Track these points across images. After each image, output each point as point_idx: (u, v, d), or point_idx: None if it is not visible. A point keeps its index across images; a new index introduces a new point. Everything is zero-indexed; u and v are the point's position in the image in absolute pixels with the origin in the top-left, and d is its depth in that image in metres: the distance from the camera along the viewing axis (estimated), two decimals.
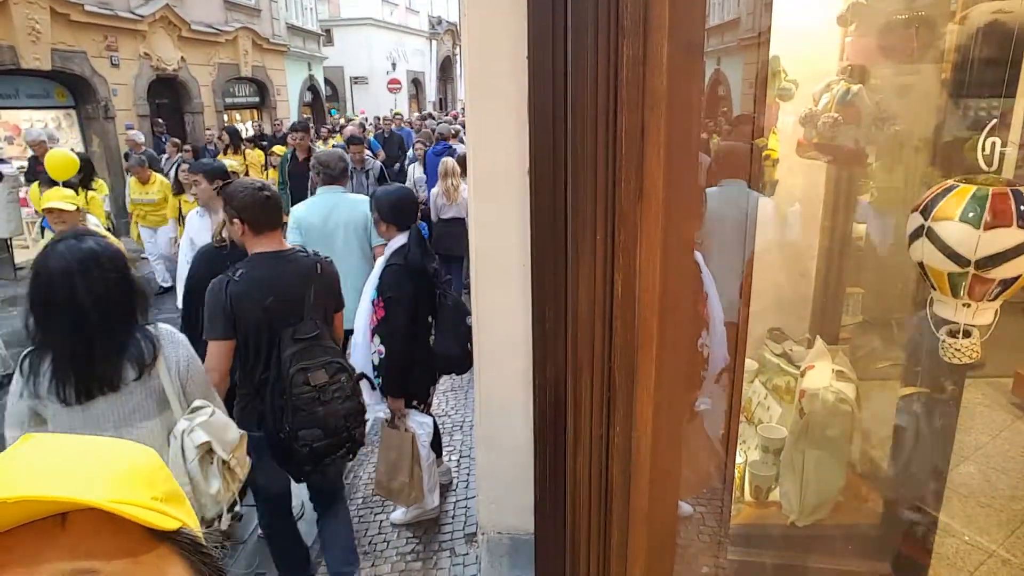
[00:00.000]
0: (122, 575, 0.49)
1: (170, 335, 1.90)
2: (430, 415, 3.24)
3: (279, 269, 2.37)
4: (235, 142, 9.58)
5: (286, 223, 3.54)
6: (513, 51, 2.08)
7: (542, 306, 1.98)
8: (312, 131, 8.63)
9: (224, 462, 1.83)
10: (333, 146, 7.25)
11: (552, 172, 1.86)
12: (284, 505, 2.73)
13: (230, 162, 5.34)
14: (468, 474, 3.77)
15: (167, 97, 12.50)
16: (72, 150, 6.25)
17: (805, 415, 2.25)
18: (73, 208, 3.53)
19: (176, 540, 0.54)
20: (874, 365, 2.57)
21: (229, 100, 14.59)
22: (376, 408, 3.03)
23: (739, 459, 2.52)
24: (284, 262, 2.39)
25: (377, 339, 3.00)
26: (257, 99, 16.06)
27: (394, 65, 25.15)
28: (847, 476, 2.33)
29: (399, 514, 3.35)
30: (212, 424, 1.84)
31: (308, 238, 3.52)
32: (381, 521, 3.40)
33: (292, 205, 4.59)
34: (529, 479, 2.21)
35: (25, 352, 1.75)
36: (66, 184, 4.68)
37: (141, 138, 8.57)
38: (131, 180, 6.94)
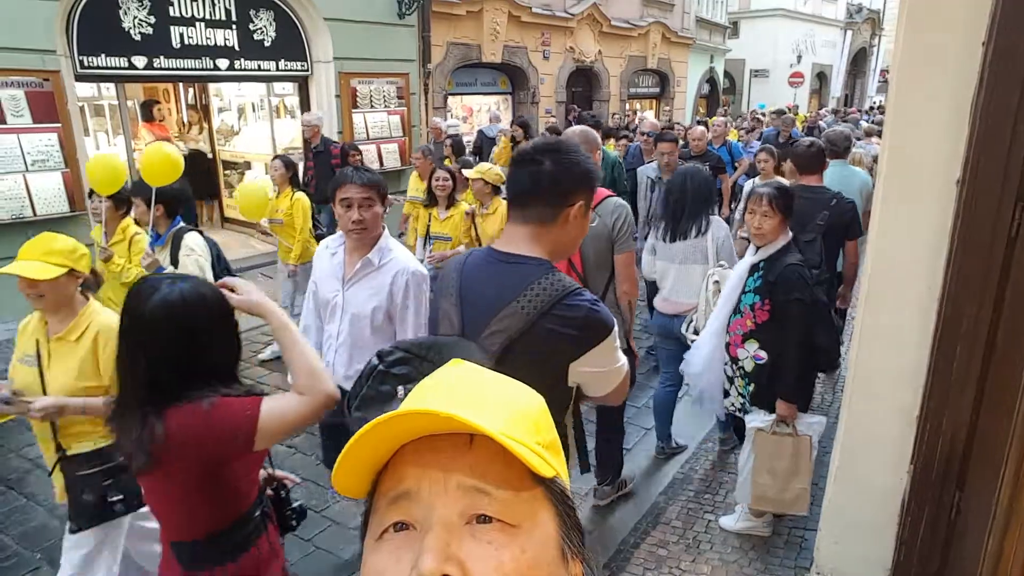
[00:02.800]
0: (505, 503, 0.54)
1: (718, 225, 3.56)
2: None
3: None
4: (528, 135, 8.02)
5: None
6: (964, 35, 1.76)
7: (952, 342, 1.69)
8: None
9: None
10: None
11: (1001, 187, 1.55)
12: None
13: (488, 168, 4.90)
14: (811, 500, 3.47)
15: (581, 86, 13.97)
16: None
17: None
18: (51, 276, 2.15)
19: (549, 487, 0.58)
20: None
21: (632, 90, 15.58)
22: (753, 420, 2.99)
23: None
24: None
25: (753, 344, 2.95)
26: (657, 90, 16.80)
27: (799, 58, 23.41)
28: None
29: (730, 520, 3.25)
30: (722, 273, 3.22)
31: None
32: (709, 521, 3.34)
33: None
34: (888, 530, 1.94)
35: None
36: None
37: (443, 124, 8.20)
38: (412, 175, 6.34)
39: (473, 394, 0.59)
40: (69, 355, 2.25)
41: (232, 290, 1.57)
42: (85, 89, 7.18)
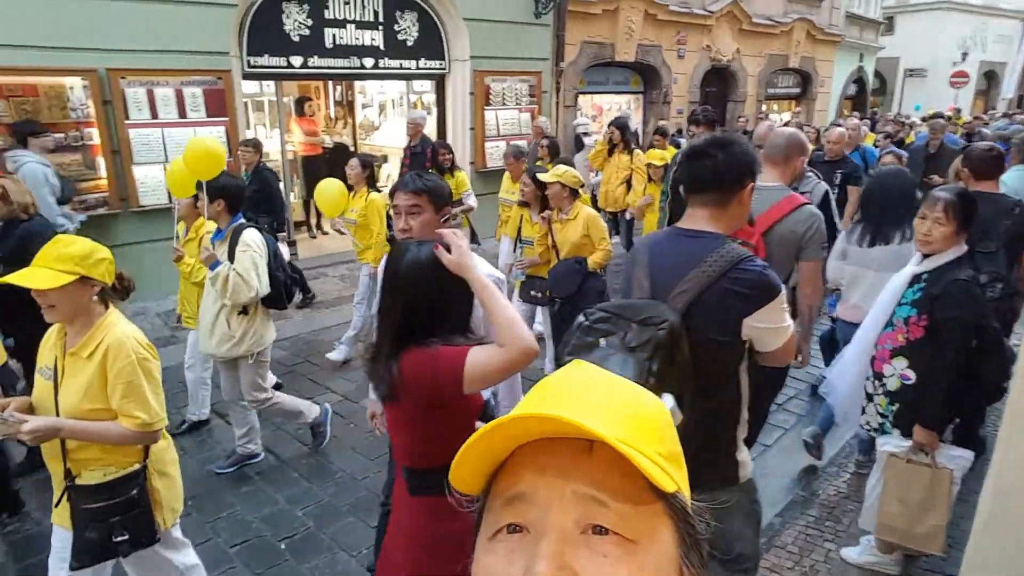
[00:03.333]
0: (623, 516, 0.52)
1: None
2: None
3: None
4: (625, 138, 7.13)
5: None
6: None
7: None
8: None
9: None
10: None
11: None
12: None
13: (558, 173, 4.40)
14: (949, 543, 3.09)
15: (715, 86, 13.44)
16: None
17: None
18: (58, 285, 1.95)
19: (670, 502, 0.55)
20: None
21: (771, 90, 14.79)
22: (886, 444, 2.76)
23: None
24: None
25: (902, 361, 2.71)
26: (798, 90, 15.83)
27: (964, 55, 21.21)
28: None
29: (854, 552, 3.03)
30: None
31: None
32: (829, 550, 3.11)
33: None
34: None
35: None
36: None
37: (548, 126, 7.80)
38: (505, 176, 6.14)
39: (595, 399, 0.57)
40: (80, 372, 2.03)
41: (447, 248, 1.76)
42: (249, 86, 7.85)
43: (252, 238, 3.46)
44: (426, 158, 6.79)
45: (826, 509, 3.44)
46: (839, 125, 7.51)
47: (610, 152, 7.09)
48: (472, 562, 0.57)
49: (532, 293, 4.65)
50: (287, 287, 3.70)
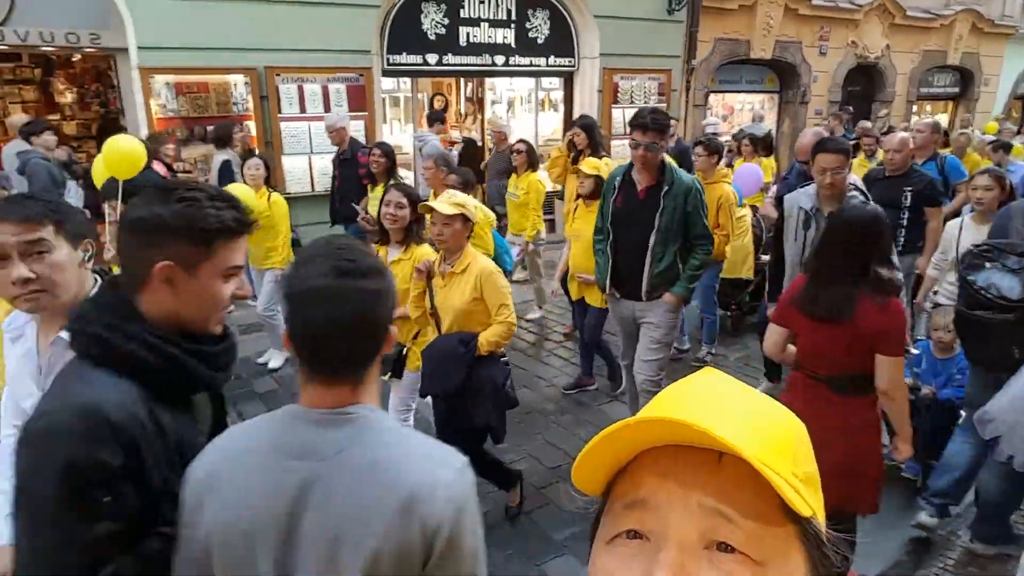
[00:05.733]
0: (751, 536, 0.49)
1: None
2: None
3: None
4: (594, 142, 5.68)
5: None
6: None
7: None
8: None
9: None
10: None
11: None
12: None
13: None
14: None
15: (860, 85, 12.49)
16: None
17: None
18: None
19: (804, 527, 0.51)
20: None
21: (924, 90, 13.52)
22: None
23: None
24: None
25: None
26: (956, 90, 14.35)
27: None
28: None
29: None
30: None
31: None
32: None
33: None
34: None
35: None
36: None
37: (509, 129, 6.86)
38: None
39: (728, 408, 0.54)
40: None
41: None
42: (387, 83, 8.26)
43: None
44: (358, 164, 5.72)
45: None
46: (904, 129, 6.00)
47: (574, 160, 5.11)
48: (592, 561, 0.56)
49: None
50: None
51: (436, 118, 7.29)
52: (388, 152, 5.26)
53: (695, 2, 9.14)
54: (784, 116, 11.50)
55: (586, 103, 8.86)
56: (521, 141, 5.87)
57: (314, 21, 6.75)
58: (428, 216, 2.99)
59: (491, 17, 8.05)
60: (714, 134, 8.34)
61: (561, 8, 8.46)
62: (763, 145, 7.38)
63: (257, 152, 6.16)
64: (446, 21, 7.77)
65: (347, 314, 1.05)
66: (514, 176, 5.80)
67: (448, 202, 2.87)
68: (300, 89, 6.94)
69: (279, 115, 6.85)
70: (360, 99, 7.23)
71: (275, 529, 1.01)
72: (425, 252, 3.17)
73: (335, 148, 6.17)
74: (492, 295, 2.90)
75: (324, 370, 1.08)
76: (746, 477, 0.49)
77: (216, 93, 6.58)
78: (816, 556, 0.51)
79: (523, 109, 9.61)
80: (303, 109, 6.97)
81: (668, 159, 3.59)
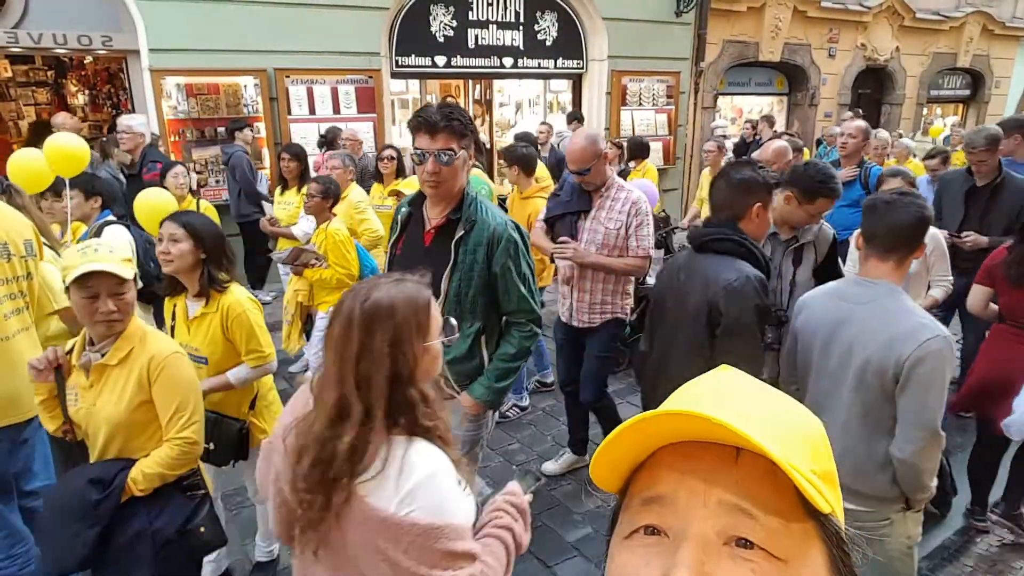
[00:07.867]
0: (772, 532, 0.48)
1: None
2: None
3: None
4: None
5: None
6: None
7: None
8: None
9: None
10: None
11: None
12: None
13: None
14: None
15: (869, 87, 12.43)
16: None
17: None
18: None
19: (824, 524, 0.51)
20: None
21: (933, 92, 13.45)
22: None
23: None
24: None
25: None
26: (967, 92, 14.26)
27: None
28: None
29: None
30: None
31: None
32: None
33: None
34: None
35: None
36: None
37: (345, 131, 6.37)
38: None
39: (746, 404, 0.54)
40: None
41: None
42: (396, 85, 8.28)
43: (114, 234, 3.36)
44: (142, 183, 4.58)
45: (988, 562, 3.04)
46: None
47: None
48: (610, 557, 0.55)
49: None
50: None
51: (235, 127, 6.49)
52: (298, 154, 4.95)
53: (703, 4, 9.14)
54: (793, 119, 11.45)
55: (594, 105, 8.86)
56: (390, 147, 5.21)
57: (323, 23, 6.78)
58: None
59: (499, 19, 8.07)
60: (723, 136, 8.33)
61: (569, 10, 8.46)
62: (639, 149, 6.62)
63: (261, 150, 6.17)
64: (454, 23, 7.80)
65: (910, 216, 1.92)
66: (379, 185, 5.15)
67: (121, 259, 1.84)
68: (310, 91, 6.97)
69: (289, 116, 6.88)
70: (369, 101, 7.26)
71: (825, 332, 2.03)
72: (238, 298, 2.36)
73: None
74: (244, 338, 2.33)
75: (877, 250, 1.96)
76: (765, 473, 0.48)
77: (226, 95, 6.62)
78: (836, 554, 0.51)
79: (531, 111, 9.62)
80: (312, 111, 7.00)
81: (473, 188, 2.30)
